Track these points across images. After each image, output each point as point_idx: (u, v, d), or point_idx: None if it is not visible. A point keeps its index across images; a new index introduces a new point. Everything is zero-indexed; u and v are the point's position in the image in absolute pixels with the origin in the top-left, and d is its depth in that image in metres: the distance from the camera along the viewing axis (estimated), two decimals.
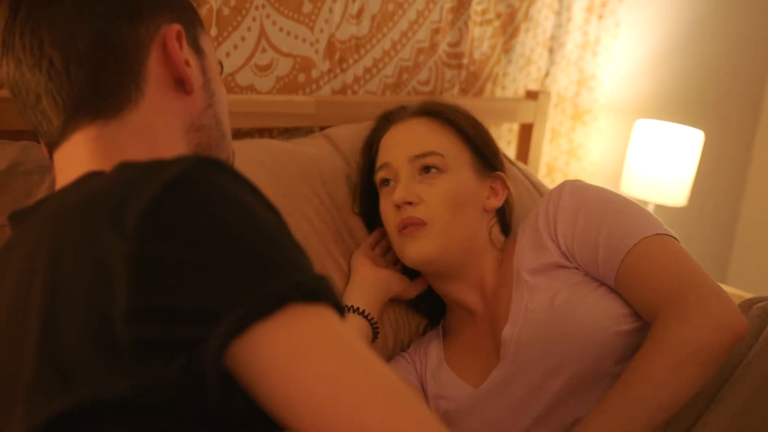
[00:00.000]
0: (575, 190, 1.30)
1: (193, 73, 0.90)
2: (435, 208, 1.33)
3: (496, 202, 1.41)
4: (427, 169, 1.36)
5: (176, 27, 0.88)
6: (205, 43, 0.96)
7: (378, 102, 1.80)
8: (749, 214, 3.25)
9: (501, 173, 1.43)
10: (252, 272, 0.65)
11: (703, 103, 2.92)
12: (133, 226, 0.65)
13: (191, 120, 0.90)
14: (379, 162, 1.43)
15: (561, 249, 1.28)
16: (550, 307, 1.24)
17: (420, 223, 1.32)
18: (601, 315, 1.21)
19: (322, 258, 1.41)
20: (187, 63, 0.89)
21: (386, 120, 1.48)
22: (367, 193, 1.49)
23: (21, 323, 0.75)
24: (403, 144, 1.39)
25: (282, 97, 1.71)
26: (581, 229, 1.25)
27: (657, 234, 1.21)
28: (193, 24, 0.94)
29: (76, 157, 0.84)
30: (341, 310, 0.69)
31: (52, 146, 0.88)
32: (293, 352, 0.63)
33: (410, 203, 1.33)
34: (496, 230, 1.43)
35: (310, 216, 1.44)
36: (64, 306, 0.69)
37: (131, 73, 0.86)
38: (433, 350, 1.41)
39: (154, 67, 0.87)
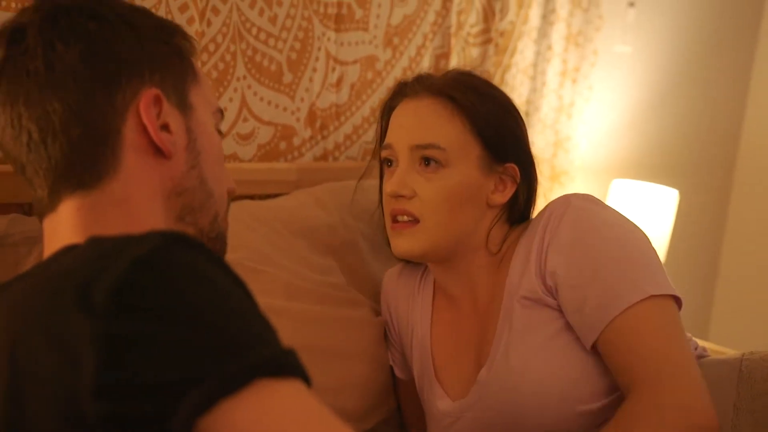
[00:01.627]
0: (578, 220, 1.22)
1: (174, 136, 0.90)
2: (429, 205, 1.26)
3: (501, 198, 1.31)
4: (427, 161, 1.28)
5: (153, 92, 0.88)
6: (197, 96, 0.95)
7: (359, 167, 1.83)
8: (727, 270, 3.29)
9: (513, 165, 1.31)
10: (218, 348, 0.66)
11: (678, 163, 2.98)
12: (100, 305, 0.66)
13: (172, 185, 0.90)
14: (384, 140, 1.36)
15: (546, 285, 1.22)
16: (524, 370, 1.22)
17: (412, 219, 1.27)
18: (571, 392, 1.20)
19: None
20: (166, 127, 0.89)
21: (401, 91, 1.37)
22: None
23: None
24: (408, 128, 1.31)
25: (264, 165, 1.74)
26: (572, 274, 1.19)
27: (651, 297, 1.15)
28: (181, 78, 0.93)
29: (60, 228, 0.86)
30: (308, 382, 0.69)
31: (41, 214, 0.90)
32: (261, 428, 0.64)
33: (403, 196, 1.28)
34: (498, 231, 1.32)
35: (287, 266, 1.45)
36: (30, 386, 0.70)
37: (107, 144, 0.86)
38: (418, 313, 1.42)
39: (131, 134, 0.87)
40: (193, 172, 0.92)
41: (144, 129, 0.87)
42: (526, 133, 1.37)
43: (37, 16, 0.87)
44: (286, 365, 0.67)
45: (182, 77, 0.94)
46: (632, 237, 1.23)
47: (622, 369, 1.15)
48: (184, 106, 0.93)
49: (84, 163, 0.86)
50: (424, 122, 1.30)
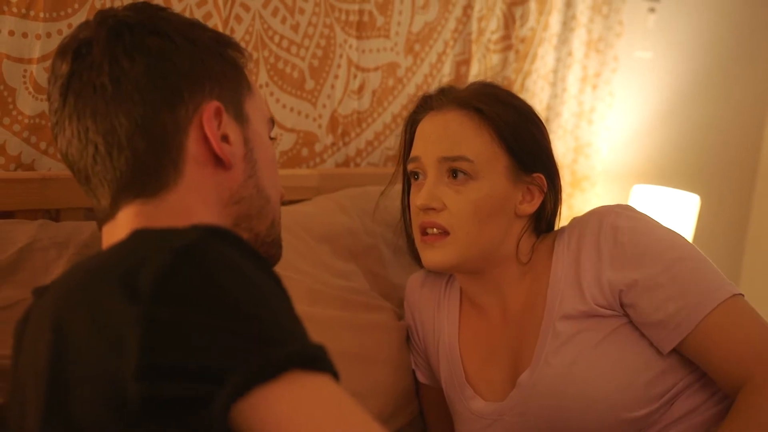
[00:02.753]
0: (635, 229, 1.23)
1: (233, 147, 0.93)
2: (459, 217, 1.26)
3: (529, 208, 1.31)
4: (455, 173, 1.28)
5: (214, 105, 0.91)
6: (251, 107, 0.98)
7: (380, 173, 1.85)
8: (749, 276, 3.27)
9: (540, 175, 1.31)
10: (255, 338, 0.69)
11: (699, 168, 2.97)
12: (145, 292, 0.69)
13: (230, 194, 0.94)
14: (411, 152, 1.35)
15: (605, 295, 1.22)
16: (568, 374, 1.22)
17: (441, 231, 1.27)
18: (618, 398, 1.20)
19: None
20: (226, 138, 0.92)
21: (426, 105, 1.37)
22: (407, 173, 1.40)
23: (31, 388, 0.79)
24: (435, 140, 1.31)
25: (286, 171, 1.75)
26: (648, 282, 1.19)
27: (733, 296, 1.18)
28: (237, 90, 0.96)
29: (117, 233, 0.89)
30: (338, 378, 0.72)
31: (101, 222, 0.93)
32: (296, 415, 0.66)
33: (433, 209, 1.28)
34: (526, 241, 1.33)
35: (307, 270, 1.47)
36: (73, 369, 0.73)
37: (170, 156, 0.89)
38: (445, 320, 1.43)
39: (193, 147, 0.90)
40: (251, 181, 0.96)
41: (206, 141, 0.91)
42: (550, 142, 1.38)
43: (103, 31, 0.90)
44: (318, 359, 0.70)
45: (238, 89, 0.97)
46: (688, 243, 1.26)
47: (725, 363, 1.16)
48: (241, 117, 0.96)
49: (148, 174, 0.89)
50: (452, 135, 1.30)
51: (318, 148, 1.84)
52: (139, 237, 0.78)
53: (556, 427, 1.24)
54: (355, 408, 0.69)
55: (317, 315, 1.40)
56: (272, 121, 1.04)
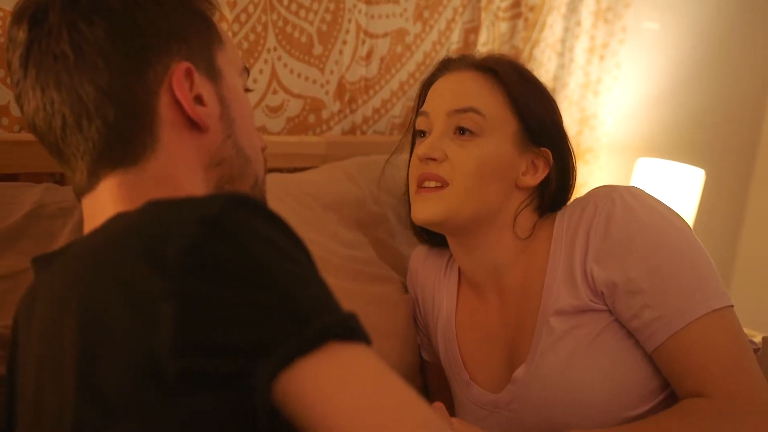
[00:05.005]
0: (627, 222, 1.16)
1: (208, 108, 0.88)
2: (459, 169, 1.23)
3: (531, 181, 1.27)
4: (462, 131, 1.24)
5: (184, 66, 0.86)
6: (223, 60, 0.92)
7: (386, 142, 1.83)
8: (748, 253, 3.27)
9: (547, 150, 1.28)
10: (292, 312, 0.67)
11: (704, 142, 2.95)
12: (175, 265, 0.67)
13: (210, 157, 0.89)
14: (421, 108, 1.33)
15: (592, 289, 1.18)
16: (564, 373, 1.19)
17: (440, 183, 1.23)
18: (614, 397, 1.17)
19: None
20: (200, 99, 0.88)
21: (443, 67, 1.35)
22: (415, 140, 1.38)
23: (55, 367, 0.76)
24: (448, 95, 1.28)
25: (292, 138, 1.73)
26: (629, 283, 1.14)
27: (715, 311, 1.11)
28: (207, 45, 0.91)
29: (102, 205, 0.85)
30: (371, 344, 0.71)
31: (79, 195, 0.89)
32: (339, 385, 0.65)
33: (434, 159, 1.24)
34: (527, 216, 1.28)
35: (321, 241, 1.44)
36: (102, 344, 0.70)
37: (143, 123, 0.85)
38: (444, 298, 1.40)
39: (165, 111, 0.86)
40: (229, 141, 0.91)
41: (178, 104, 0.86)
42: (563, 121, 1.34)
43: None
44: (353, 329, 0.69)
45: (208, 43, 0.91)
46: (686, 242, 1.17)
47: (686, 382, 1.13)
48: (213, 73, 0.90)
49: (122, 143, 0.84)
50: (465, 89, 1.28)
51: (325, 114, 1.81)
52: (154, 207, 0.75)
53: (554, 426, 1.22)
54: (393, 377, 0.68)
55: None
56: (247, 71, 0.98)
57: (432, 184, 1.25)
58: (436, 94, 1.31)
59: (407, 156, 1.41)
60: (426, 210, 1.24)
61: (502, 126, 1.26)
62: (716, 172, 2.78)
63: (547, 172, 1.28)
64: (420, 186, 1.26)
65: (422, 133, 1.31)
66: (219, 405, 0.66)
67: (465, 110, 1.25)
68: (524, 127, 1.27)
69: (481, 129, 1.24)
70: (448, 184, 1.23)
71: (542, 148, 1.28)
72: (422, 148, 1.25)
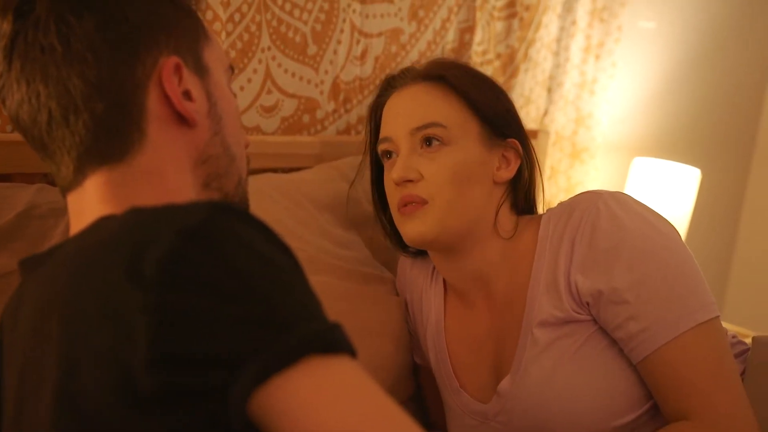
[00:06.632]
0: (612, 231, 1.14)
1: (196, 104, 0.88)
2: (436, 184, 1.22)
3: (507, 174, 1.28)
4: (428, 141, 1.24)
5: (173, 60, 0.85)
6: (210, 56, 0.92)
7: None
8: (744, 252, 3.27)
9: (514, 140, 1.29)
10: (270, 323, 0.66)
11: (700, 141, 2.95)
12: (151, 277, 0.65)
13: (197, 153, 0.88)
14: (381, 134, 1.32)
15: (576, 300, 1.17)
16: (548, 384, 1.18)
17: (420, 202, 1.23)
18: (600, 407, 1.16)
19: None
20: (188, 95, 0.87)
21: (389, 86, 1.36)
22: (375, 162, 1.39)
23: (36, 376, 0.75)
24: (404, 114, 1.28)
25: (287, 138, 1.72)
26: (613, 294, 1.13)
27: (700, 324, 1.11)
28: (194, 40, 0.90)
29: (88, 203, 0.84)
30: (355, 355, 0.69)
31: (64, 191, 0.88)
32: (318, 402, 0.64)
33: (411, 180, 1.24)
34: (506, 212, 1.29)
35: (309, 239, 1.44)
36: (82, 357, 0.69)
37: (131, 117, 0.84)
38: (433, 307, 1.39)
39: (154, 105, 0.85)
40: (216, 138, 0.90)
41: (167, 99, 0.85)
42: (517, 111, 1.34)
43: None
44: (336, 341, 0.67)
45: (195, 38, 0.91)
46: (672, 249, 1.16)
47: (670, 396, 1.12)
48: (200, 69, 0.90)
49: (109, 137, 0.83)
50: (420, 105, 1.28)
51: (319, 114, 1.80)
52: (136, 214, 0.74)
53: None
54: (377, 391, 0.67)
55: (319, 285, 1.35)
56: (232, 68, 0.98)
57: (413, 203, 1.25)
58: (391, 116, 1.31)
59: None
60: (416, 228, 1.24)
61: (465, 130, 1.26)
62: (712, 171, 2.78)
63: (519, 162, 1.29)
64: (402, 207, 1.26)
65: (388, 154, 1.31)
66: (196, 421, 0.65)
67: (426, 126, 1.25)
68: (486, 125, 1.28)
69: (448, 138, 1.25)
70: (427, 203, 1.23)
71: (508, 140, 1.29)
72: (396, 171, 1.25)
